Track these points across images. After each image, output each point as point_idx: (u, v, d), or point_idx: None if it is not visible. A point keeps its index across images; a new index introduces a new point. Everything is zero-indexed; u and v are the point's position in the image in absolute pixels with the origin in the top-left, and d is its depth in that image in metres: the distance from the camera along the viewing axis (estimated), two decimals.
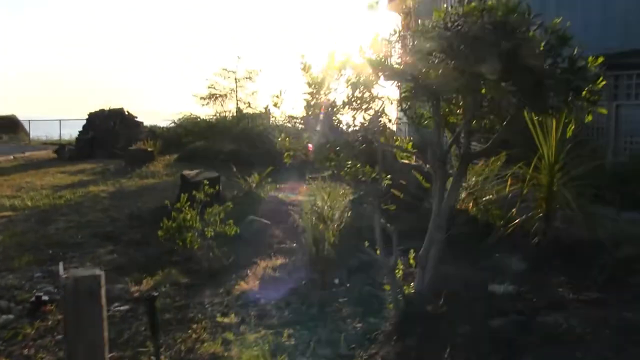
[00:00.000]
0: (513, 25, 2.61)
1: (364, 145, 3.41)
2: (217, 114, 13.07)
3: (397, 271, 3.68)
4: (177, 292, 4.33)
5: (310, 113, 3.32)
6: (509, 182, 5.40)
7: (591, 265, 4.40)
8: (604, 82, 3.14)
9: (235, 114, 12.81)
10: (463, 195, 5.59)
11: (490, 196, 5.53)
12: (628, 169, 7.07)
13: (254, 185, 7.72)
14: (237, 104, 13.15)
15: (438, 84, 2.78)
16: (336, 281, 4.59)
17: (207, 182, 5.48)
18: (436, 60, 2.92)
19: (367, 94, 3.37)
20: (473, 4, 2.75)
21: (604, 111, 3.36)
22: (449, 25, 2.86)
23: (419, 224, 5.72)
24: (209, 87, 14.21)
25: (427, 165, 6.32)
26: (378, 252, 3.67)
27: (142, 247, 5.59)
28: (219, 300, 4.20)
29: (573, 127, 4.77)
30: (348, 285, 4.47)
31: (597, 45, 11.03)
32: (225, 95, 12.91)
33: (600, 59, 3.11)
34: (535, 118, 4.81)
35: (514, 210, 5.26)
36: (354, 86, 3.30)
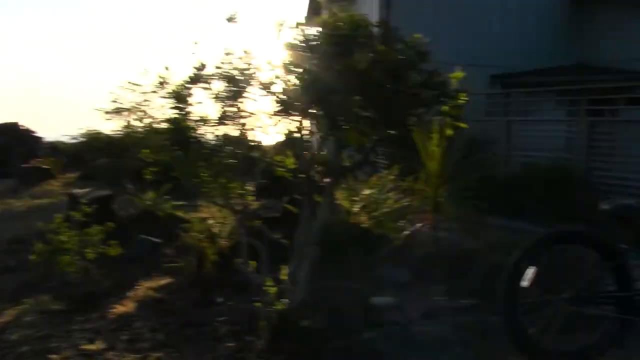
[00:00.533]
0: (359, 40, 2.63)
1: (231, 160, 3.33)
2: (125, 129, 12.51)
3: (272, 287, 3.62)
4: (43, 321, 4.04)
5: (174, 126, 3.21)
6: (401, 195, 5.50)
7: (469, 274, 4.51)
8: (465, 99, 3.23)
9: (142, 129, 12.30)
10: (356, 208, 5.63)
11: (384, 209, 5.59)
12: (517, 180, 7.39)
13: (148, 202, 7.45)
14: (142, 118, 12.62)
15: (292, 97, 2.77)
16: (219, 300, 4.47)
17: (97, 201, 5.23)
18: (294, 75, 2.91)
19: (234, 108, 3.31)
20: (324, 16, 2.76)
21: (465, 125, 3.45)
22: (304, 39, 2.86)
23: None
24: (112, 101, 13.55)
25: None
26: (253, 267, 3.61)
27: (16, 274, 5.22)
28: (90, 326, 3.96)
29: (445, 140, 4.90)
30: (230, 303, 4.36)
31: (497, 65, 11.78)
32: (130, 109, 12.40)
33: (460, 74, 3.20)
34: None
35: (404, 222, 5.35)
36: (219, 99, 3.23)
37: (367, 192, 5.49)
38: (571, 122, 7.19)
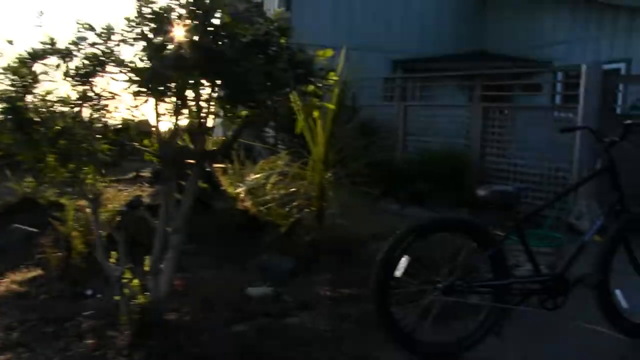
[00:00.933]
0: (206, 13, 2.36)
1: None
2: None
3: (134, 280, 3.34)
4: None
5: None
6: (288, 181, 5.34)
7: (352, 261, 4.43)
8: (335, 78, 3.07)
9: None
10: (242, 194, 5.41)
11: (273, 195, 5.40)
12: (413, 166, 7.44)
13: (28, 190, 6.85)
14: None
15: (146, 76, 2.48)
16: (89, 292, 4.13)
17: None
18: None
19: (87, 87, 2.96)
20: None
21: (331, 106, 3.29)
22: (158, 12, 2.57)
23: (202, 227, 5.50)
24: None
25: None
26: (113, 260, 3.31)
27: None
28: None
29: (332, 124, 4.77)
30: (99, 296, 4.03)
31: (401, 51, 11.89)
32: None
33: (328, 52, 3.03)
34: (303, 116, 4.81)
35: (293, 208, 5.20)
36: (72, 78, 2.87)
37: (252, 177, 5.27)
38: (466, 108, 7.30)
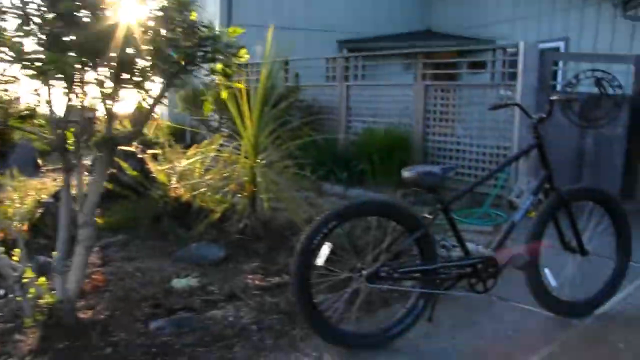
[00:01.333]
0: None
1: None
2: None
3: (41, 279, 3.08)
4: None
5: None
6: (221, 166, 5.11)
7: (285, 248, 4.27)
8: (245, 56, 2.85)
9: None
10: (174, 180, 5.15)
11: (205, 180, 5.16)
12: (356, 146, 7.31)
13: None
14: None
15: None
16: (1, 293, 3.84)
17: None
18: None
19: None
20: None
21: (241, 86, 3.08)
22: None
23: (134, 217, 5.24)
24: None
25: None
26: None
27: None
28: None
29: (261, 105, 4.56)
30: (11, 296, 3.74)
31: (347, 31, 11.71)
32: None
33: (238, 30, 2.80)
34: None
35: (226, 194, 4.99)
36: None
37: (182, 163, 5.02)
38: (408, 87, 7.19)
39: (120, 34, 2.10)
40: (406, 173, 2.91)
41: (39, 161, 8.67)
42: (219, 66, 2.62)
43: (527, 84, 5.92)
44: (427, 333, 3.07)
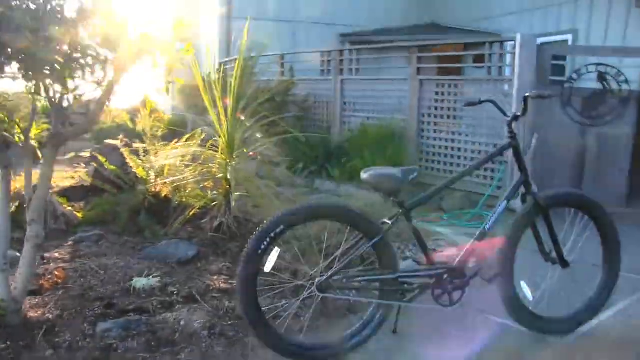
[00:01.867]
0: None
1: None
2: None
3: None
4: None
5: None
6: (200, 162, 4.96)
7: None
8: (190, 50, 2.66)
9: None
10: (153, 176, 5.01)
11: (184, 177, 5.01)
12: (350, 142, 7.12)
13: None
14: None
15: None
16: None
17: None
18: None
19: None
20: None
21: (181, 81, 2.89)
22: None
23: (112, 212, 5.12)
24: None
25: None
26: None
27: None
28: None
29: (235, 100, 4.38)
30: None
31: (350, 24, 11.45)
32: None
33: (181, 23, 2.61)
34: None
35: (205, 191, 4.84)
36: None
37: (162, 158, 4.87)
38: (403, 81, 6.94)
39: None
40: (364, 175, 2.72)
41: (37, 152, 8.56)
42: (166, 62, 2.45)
43: (524, 79, 5.67)
44: (388, 347, 2.90)
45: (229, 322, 3.07)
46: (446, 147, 6.60)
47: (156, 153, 5.00)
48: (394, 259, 2.73)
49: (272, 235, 2.56)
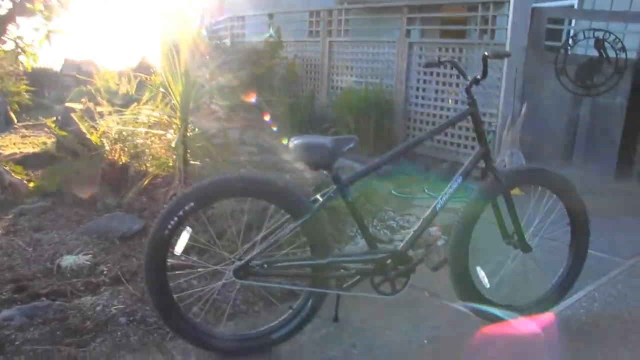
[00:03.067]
0: None
1: None
2: None
3: None
4: None
5: None
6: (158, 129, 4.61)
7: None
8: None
9: None
10: (107, 144, 4.67)
11: (141, 144, 4.68)
12: (335, 108, 6.72)
13: None
14: None
15: None
16: None
17: None
18: None
19: None
20: None
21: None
22: None
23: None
24: None
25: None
26: None
27: None
28: None
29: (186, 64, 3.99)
30: None
31: None
32: None
33: None
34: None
35: (161, 159, 4.51)
36: None
37: (114, 124, 4.52)
38: (392, 44, 6.47)
39: None
40: (290, 144, 2.34)
41: (12, 116, 8.30)
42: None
43: (517, 44, 5.20)
44: (324, 336, 2.58)
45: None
46: (434, 115, 6.18)
47: (110, 118, 4.65)
48: (326, 241, 2.38)
49: (181, 213, 2.22)
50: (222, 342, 2.40)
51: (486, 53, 2.48)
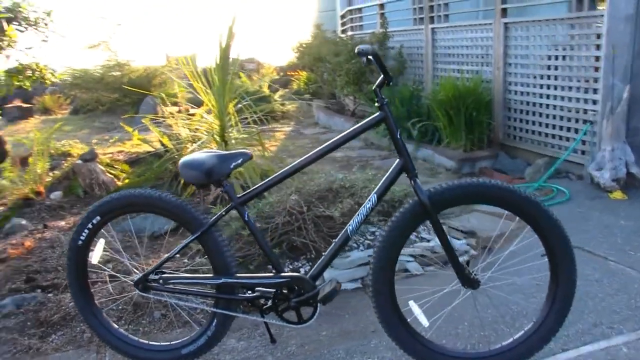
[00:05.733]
0: None
1: None
2: (102, 65, 12.23)
3: None
4: None
5: None
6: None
7: None
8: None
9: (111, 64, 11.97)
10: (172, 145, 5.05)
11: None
12: (431, 99, 6.31)
13: None
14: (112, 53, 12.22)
15: None
16: None
17: None
18: None
19: None
20: None
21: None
22: None
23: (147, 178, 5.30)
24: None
25: None
26: None
27: None
28: None
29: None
30: None
31: None
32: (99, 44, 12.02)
33: None
34: None
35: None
36: None
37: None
38: (488, 27, 5.81)
39: None
40: (179, 162, 2.30)
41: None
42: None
43: (617, 13, 4.35)
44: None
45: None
46: (534, 104, 5.44)
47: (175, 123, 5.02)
48: (222, 259, 2.30)
49: (89, 226, 2.35)
50: (135, 349, 2.48)
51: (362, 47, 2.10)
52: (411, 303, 2.29)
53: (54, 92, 13.19)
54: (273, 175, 2.30)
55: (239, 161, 2.25)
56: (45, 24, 2.86)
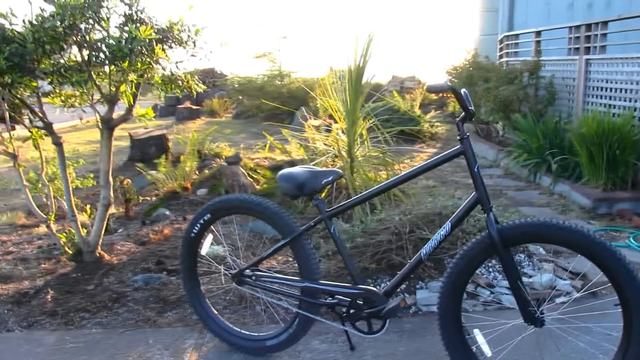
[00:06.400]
0: None
1: None
2: (265, 74, 13.23)
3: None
4: None
5: None
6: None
7: None
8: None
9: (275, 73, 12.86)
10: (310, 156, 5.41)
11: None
12: (574, 133, 5.98)
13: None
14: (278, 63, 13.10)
15: None
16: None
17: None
18: None
19: None
20: None
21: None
22: None
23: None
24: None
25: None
26: None
27: None
28: None
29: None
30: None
31: None
32: (264, 54, 13.00)
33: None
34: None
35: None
36: None
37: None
38: None
39: None
40: (278, 174, 2.59)
41: None
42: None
43: None
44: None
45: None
46: None
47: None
48: (308, 264, 2.54)
49: (202, 221, 2.74)
50: (225, 333, 2.82)
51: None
52: (476, 331, 2.34)
53: (222, 96, 14.60)
54: (361, 194, 2.51)
55: (330, 178, 2.48)
56: (194, 42, 3.31)
